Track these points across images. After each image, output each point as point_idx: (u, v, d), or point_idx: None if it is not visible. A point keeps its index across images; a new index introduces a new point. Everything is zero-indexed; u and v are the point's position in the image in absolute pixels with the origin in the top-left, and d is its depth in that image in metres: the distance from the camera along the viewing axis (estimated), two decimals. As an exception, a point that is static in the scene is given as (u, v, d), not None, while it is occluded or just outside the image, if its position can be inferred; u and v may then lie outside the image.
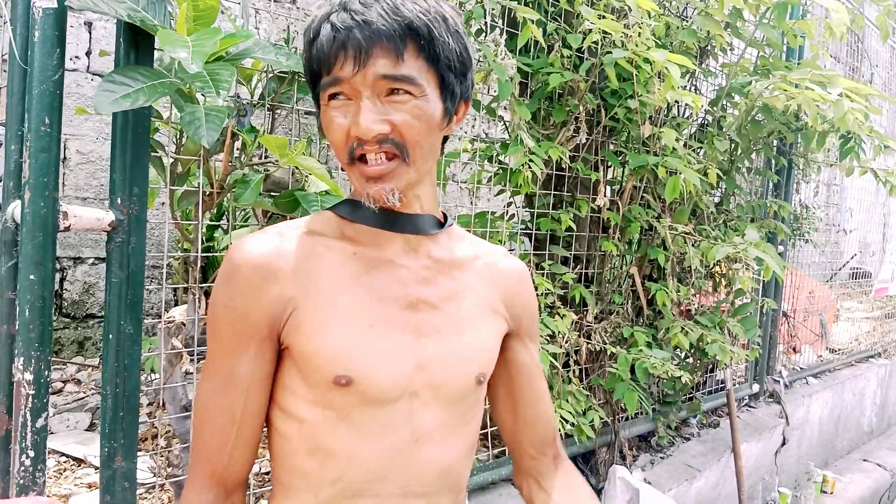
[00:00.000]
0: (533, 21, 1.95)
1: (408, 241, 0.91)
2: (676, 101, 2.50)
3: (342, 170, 1.03)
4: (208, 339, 0.89)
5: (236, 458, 0.87)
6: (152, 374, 2.32)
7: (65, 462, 2.15)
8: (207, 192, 1.52)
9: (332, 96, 0.82)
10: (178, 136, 1.55)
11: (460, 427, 0.92)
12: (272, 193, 1.59)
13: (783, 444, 3.82)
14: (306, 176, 1.59)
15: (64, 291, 3.14)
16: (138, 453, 1.41)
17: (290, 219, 1.51)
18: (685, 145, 2.60)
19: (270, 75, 1.63)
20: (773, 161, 3.39)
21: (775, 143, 3.30)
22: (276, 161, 1.50)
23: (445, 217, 0.97)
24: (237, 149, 1.60)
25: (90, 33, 3.07)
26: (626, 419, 2.88)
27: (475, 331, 0.94)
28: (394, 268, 0.90)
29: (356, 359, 0.84)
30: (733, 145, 2.93)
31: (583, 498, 1.06)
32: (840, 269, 5.84)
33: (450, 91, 0.85)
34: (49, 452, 2.18)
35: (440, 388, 0.89)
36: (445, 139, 0.95)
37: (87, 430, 2.44)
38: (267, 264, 0.85)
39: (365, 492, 0.86)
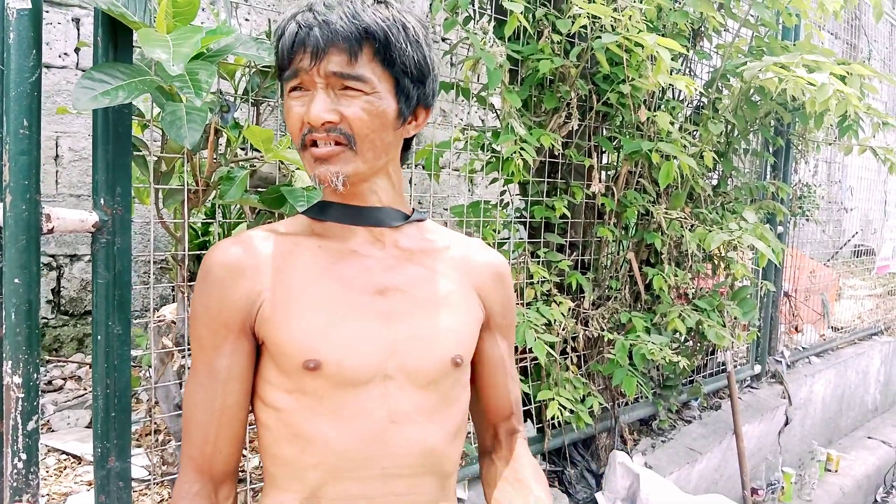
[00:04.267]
0: (520, 11, 1.93)
1: (371, 232, 0.96)
2: (671, 85, 2.47)
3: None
4: (190, 339, 0.94)
5: (220, 449, 0.93)
6: (148, 369, 2.32)
7: (65, 460, 2.16)
8: (193, 190, 1.51)
9: (293, 88, 0.89)
10: (161, 134, 1.53)
11: (441, 409, 0.95)
12: (259, 190, 1.57)
13: (786, 423, 3.82)
14: (293, 171, 1.58)
15: (62, 289, 3.15)
16: (135, 450, 1.41)
17: (278, 214, 1.51)
18: (680, 128, 2.58)
19: (254, 70, 1.61)
20: (770, 141, 3.35)
21: (772, 123, 3.26)
22: (262, 157, 1.48)
23: (414, 211, 1.02)
24: (221, 145, 1.58)
25: (78, 30, 3.05)
26: (626, 404, 2.87)
27: (450, 314, 0.97)
28: (360, 258, 0.95)
29: (324, 343, 0.89)
30: (729, 127, 2.90)
31: (524, 469, 1.10)
32: (842, 247, 5.81)
33: (404, 94, 0.90)
34: (49, 450, 2.19)
35: (414, 370, 0.93)
36: (409, 144, 1.01)
37: (87, 426, 2.45)
38: (237, 263, 0.91)
39: (347, 475, 0.90)
